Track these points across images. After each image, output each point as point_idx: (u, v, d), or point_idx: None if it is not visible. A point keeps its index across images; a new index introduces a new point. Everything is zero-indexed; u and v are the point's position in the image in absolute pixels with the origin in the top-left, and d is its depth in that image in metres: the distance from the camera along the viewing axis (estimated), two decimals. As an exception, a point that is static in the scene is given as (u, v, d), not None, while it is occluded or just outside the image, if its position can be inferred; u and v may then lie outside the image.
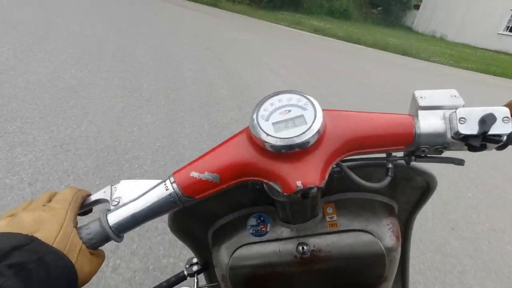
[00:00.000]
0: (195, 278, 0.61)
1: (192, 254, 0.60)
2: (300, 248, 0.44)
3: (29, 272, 0.26)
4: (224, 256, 0.46)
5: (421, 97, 0.35)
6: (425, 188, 0.47)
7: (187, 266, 0.63)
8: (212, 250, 0.49)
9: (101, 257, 0.35)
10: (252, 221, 0.47)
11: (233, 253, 0.45)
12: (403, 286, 0.61)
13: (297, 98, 0.35)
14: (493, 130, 0.31)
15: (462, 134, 0.31)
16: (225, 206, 0.48)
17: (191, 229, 0.51)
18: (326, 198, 0.46)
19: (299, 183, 0.31)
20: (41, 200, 0.34)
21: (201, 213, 0.49)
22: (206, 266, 0.61)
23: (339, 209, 0.46)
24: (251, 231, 0.46)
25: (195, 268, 0.61)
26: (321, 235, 0.45)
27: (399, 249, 0.47)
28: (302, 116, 0.33)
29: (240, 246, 0.45)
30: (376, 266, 0.45)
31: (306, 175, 0.32)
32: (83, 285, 0.31)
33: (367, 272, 0.47)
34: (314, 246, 0.44)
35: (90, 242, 0.33)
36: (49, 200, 0.34)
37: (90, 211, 0.40)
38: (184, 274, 0.62)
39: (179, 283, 0.64)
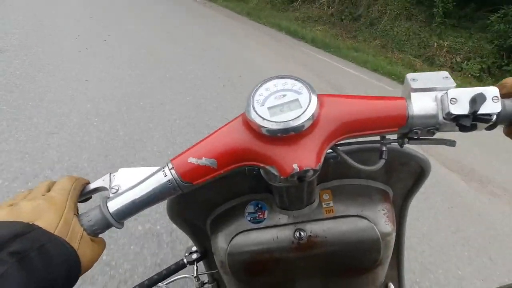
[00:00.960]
0: (195, 266, 0.63)
1: (191, 243, 0.61)
2: (297, 234, 0.45)
3: (30, 260, 0.26)
4: (222, 243, 0.47)
5: (413, 79, 0.35)
6: (419, 173, 0.48)
7: (186, 254, 0.64)
8: (210, 237, 0.50)
9: (102, 244, 0.35)
10: (250, 208, 0.47)
11: (231, 240, 0.46)
12: (398, 270, 0.63)
13: (292, 83, 0.35)
14: (483, 110, 0.32)
15: (453, 114, 0.32)
16: (223, 194, 0.49)
17: (190, 217, 0.52)
18: (322, 185, 0.47)
19: (295, 166, 0.32)
20: (40, 189, 0.34)
21: (199, 201, 0.49)
22: (205, 254, 0.62)
23: (335, 195, 0.47)
24: (249, 218, 0.47)
25: (194, 256, 0.63)
26: (318, 221, 0.45)
27: (394, 234, 0.48)
28: (297, 100, 0.34)
29: (238, 233, 0.46)
30: (372, 251, 0.46)
31: (302, 158, 0.32)
32: (85, 271, 0.31)
33: (362, 257, 0.48)
34: (311, 232, 0.45)
35: (91, 229, 0.33)
36: (48, 190, 0.34)
37: (89, 198, 0.40)
38: (184, 262, 0.63)
39: (179, 271, 0.65)
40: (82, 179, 0.38)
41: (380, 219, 0.45)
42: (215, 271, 0.64)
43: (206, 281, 0.68)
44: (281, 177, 0.33)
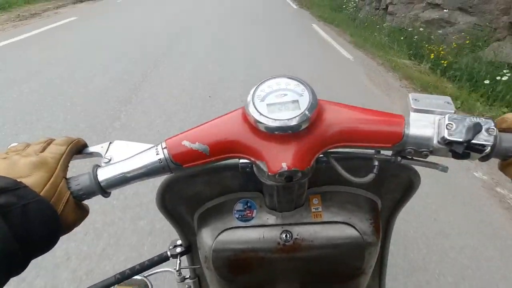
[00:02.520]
0: (178, 260, 0.62)
1: (177, 236, 0.60)
2: (284, 235, 0.45)
3: (13, 216, 0.27)
4: (208, 238, 0.47)
5: (415, 99, 0.36)
6: (408, 185, 0.49)
7: (170, 247, 0.63)
8: (197, 232, 0.50)
9: (86, 210, 0.36)
10: (239, 206, 0.47)
11: (217, 235, 0.46)
12: (379, 281, 0.63)
13: (295, 84, 0.36)
14: (477, 139, 0.32)
15: (447, 139, 0.32)
16: (213, 189, 0.48)
17: (178, 210, 0.52)
18: (313, 189, 0.47)
19: (284, 165, 0.32)
20: (37, 146, 0.35)
21: (190, 194, 0.49)
22: (189, 249, 0.61)
23: (324, 200, 0.47)
24: (237, 216, 0.47)
25: (178, 250, 0.62)
26: (305, 224, 0.46)
27: (379, 244, 0.48)
28: (297, 101, 0.34)
29: (225, 230, 0.46)
30: (355, 259, 0.47)
31: (292, 158, 0.33)
32: (65, 233, 0.32)
33: (346, 264, 0.48)
34: (297, 235, 0.45)
35: (77, 193, 0.34)
36: (45, 147, 0.35)
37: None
38: (167, 255, 0.63)
39: (161, 263, 0.64)
40: (80, 141, 0.38)
41: (367, 229, 0.46)
42: (197, 266, 0.64)
43: (187, 276, 0.68)
44: (269, 174, 0.33)
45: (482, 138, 0.32)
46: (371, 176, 0.38)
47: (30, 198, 0.28)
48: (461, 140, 0.32)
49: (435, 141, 0.34)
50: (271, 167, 0.33)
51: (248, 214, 0.47)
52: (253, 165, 0.38)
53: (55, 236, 0.31)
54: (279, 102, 0.34)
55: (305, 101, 0.34)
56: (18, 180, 0.29)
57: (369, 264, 0.49)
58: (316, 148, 0.35)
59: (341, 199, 0.47)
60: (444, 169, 0.37)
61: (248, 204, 0.47)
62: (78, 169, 0.36)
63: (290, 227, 0.46)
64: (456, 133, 0.32)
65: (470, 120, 0.33)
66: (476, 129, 0.32)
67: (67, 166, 0.35)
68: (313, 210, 0.46)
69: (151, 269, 0.65)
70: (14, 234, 0.26)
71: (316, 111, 0.34)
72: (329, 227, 0.46)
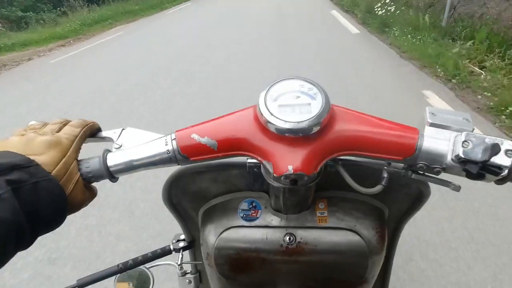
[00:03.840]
0: (180, 254, 0.63)
1: (180, 231, 0.61)
2: (287, 238, 0.45)
3: (24, 191, 0.28)
4: (212, 235, 0.47)
5: (432, 113, 0.35)
6: (417, 196, 0.48)
7: (173, 241, 0.64)
8: (200, 228, 0.50)
9: (93, 192, 0.37)
10: (244, 205, 0.47)
11: (221, 233, 0.46)
12: None
13: (309, 87, 0.35)
14: (494, 161, 0.30)
15: (462, 158, 0.31)
16: (220, 187, 0.48)
17: (184, 205, 0.52)
18: (319, 193, 0.47)
19: (290, 167, 0.32)
20: (53, 126, 0.36)
21: (195, 190, 0.49)
22: (192, 244, 0.62)
23: (331, 205, 0.46)
24: (241, 215, 0.47)
25: (181, 244, 0.62)
26: (310, 228, 0.45)
27: (383, 254, 0.47)
28: (309, 104, 0.34)
29: (229, 228, 0.46)
30: (358, 267, 0.46)
31: (298, 162, 0.32)
32: (72, 213, 0.34)
33: (349, 271, 0.47)
34: (301, 238, 0.45)
35: (87, 176, 0.35)
36: (61, 128, 0.36)
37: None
38: (170, 249, 0.63)
39: (164, 256, 0.65)
40: (94, 124, 0.40)
41: (372, 237, 0.45)
42: (199, 262, 0.64)
43: (188, 271, 0.68)
44: (275, 175, 0.33)
45: (500, 160, 0.30)
46: (379, 188, 0.37)
47: (41, 177, 0.30)
48: (476, 160, 0.31)
49: (449, 158, 0.33)
50: (277, 169, 0.33)
51: (253, 214, 0.47)
52: (261, 165, 0.37)
53: (62, 215, 0.32)
54: (291, 104, 0.34)
55: (317, 105, 0.33)
56: (32, 157, 0.30)
57: (372, 273, 0.48)
58: (325, 153, 0.34)
59: (347, 205, 0.47)
60: (456, 188, 0.36)
61: (254, 204, 0.47)
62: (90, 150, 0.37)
63: (294, 230, 0.45)
64: (472, 152, 0.31)
65: (489, 140, 0.31)
66: (494, 150, 0.30)
67: (80, 148, 0.36)
68: (319, 214, 0.46)
69: (153, 261, 0.65)
70: (23, 210, 0.27)
71: (328, 116, 0.33)
72: (334, 233, 0.45)
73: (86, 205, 0.35)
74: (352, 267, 0.47)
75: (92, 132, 0.40)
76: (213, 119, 0.36)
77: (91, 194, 0.36)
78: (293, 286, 0.50)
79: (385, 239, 0.47)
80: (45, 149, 0.32)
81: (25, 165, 0.29)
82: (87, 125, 0.38)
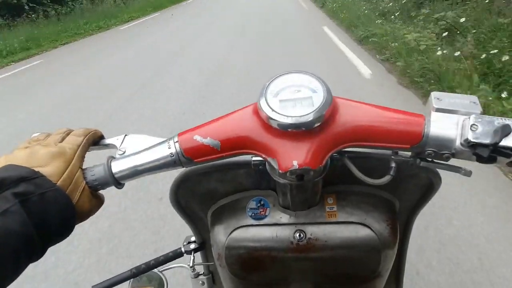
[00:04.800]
0: (192, 256, 0.63)
1: (191, 233, 0.61)
2: (297, 235, 0.44)
3: (31, 203, 0.28)
4: (221, 235, 0.47)
5: (437, 98, 0.34)
6: (428, 186, 0.47)
7: (184, 243, 0.64)
8: (210, 229, 0.50)
9: (100, 199, 0.37)
10: (252, 204, 0.47)
11: (230, 233, 0.46)
12: (396, 285, 0.62)
13: (309, 80, 0.35)
14: (505, 142, 0.29)
15: (471, 141, 0.30)
16: (227, 187, 0.48)
17: (192, 206, 0.52)
18: (327, 188, 0.47)
19: (295, 163, 0.32)
20: (56, 136, 0.37)
21: (203, 191, 0.49)
22: (203, 246, 0.62)
23: (339, 200, 0.46)
24: (250, 214, 0.46)
25: (192, 246, 0.63)
26: (319, 224, 0.45)
27: (396, 247, 0.47)
28: (310, 97, 0.33)
29: (238, 227, 0.46)
30: (371, 261, 0.46)
31: (303, 156, 0.32)
32: (80, 222, 0.34)
33: (361, 266, 0.47)
34: (311, 234, 0.44)
35: (92, 184, 0.35)
36: (64, 137, 0.37)
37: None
38: (181, 251, 0.64)
39: (175, 259, 0.65)
40: (97, 132, 0.40)
41: (384, 230, 0.44)
42: (211, 263, 0.64)
43: (201, 272, 0.68)
44: (280, 171, 0.33)
45: (511, 142, 0.30)
46: (387, 178, 0.36)
47: (47, 187, 0.30)
48: (487, 142, 0.30)
49: (457, 143, 0.32)
50: (282, 165, 0.33)
51: (262, 212, 0.46)
52: (266, 163, 0.37)
53: (71, 224, 0.32)
54: (292, 98, 0.33)
55: (319, 98, 0.33)
56: (37, 169, 0.31)
57: (386, 267, 0.47)
58: (330, 146, 0.34)
59: (356, 199, 0.46)
60: (467, 173, 0.35)
61: (262, 202, 0.47)
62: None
63: (303, 227, 0.45)
64: (481, 135, 0.30)
65: (499, 121, 0.30)
66: (504, 131, 0.29)
67: (84, 156, 0.36)
68: (328, 209, 0.46)
69: (165, 264, 0.66)
70: (32, 221, 0.28)
71: (330, 108, 0.33)
72: (344, 227, 0.44)
73: (94, 213, 0.36)
74: (365, 261, 0.46)
75: (95, 140, 0.40)
76: (214, 120, 0.36)
77: (98, 202, 0.36)
78: (306, 283, 0.50)
79: (397, 231, 0.46)
80: (49, 160, 0.32)
81: (30, 177, 0.29)
82: (89, 133, 0.38)
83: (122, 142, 0.40)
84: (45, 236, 0.29)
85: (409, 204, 0.51)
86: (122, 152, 0.39)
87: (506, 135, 0.29)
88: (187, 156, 0.35)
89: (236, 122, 0.35)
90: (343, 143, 0.34)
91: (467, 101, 0.34)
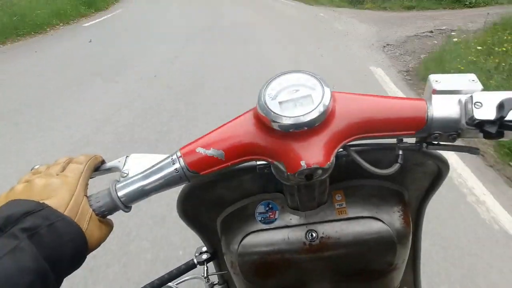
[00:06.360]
0: (205, 266, 0.62)
1: (201, 243, 0.60)
2: (309, 235, 0.44)
3: (40, 236, 0.27)
4: (233, 243, 0.46)
5: (436, 80, 0.34)
6: (436, 174, 0.46)
7: (196, 254, 0.64)
8: (221, 237, 0.50)
9: (110, 225, 0.36)
10: (261, 208, 0.47)
11: (242, 240, 0.45)
12: (414, 275, 0.61)
13: (306, 78, 0.35)
14: (511, 116, 0.29)
15: (477, 119, 0.30)
16: (234, 193, 0.48)
17: (200, 217, 0.52)
18: (334, 185, 0.46)
19: (303, 163, 0.31)
20: (57, 166, 0.36)
21: (209, 201, 0.49)
22: (215, 255, 0.61)
23: (348, 196, 0.45)
24: (259, 218, 0.46)
25: (204, 256, 0.62)
26: (330, 222, 0.44)
27: (410, 237, 0.46)
28: (309, 96, 0.33)
29: (249, 233, 0.45)
30: (387, 254, 0.45)
31: (311, 155, 0.32)
32: (92, 250, 0.33)
33: (377, 260, 0.46)
34: (323, 233, 0.44)
35: (99, 210, 0.34)
36: (64, 167, 0.36)
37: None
38: (194, 262, 0.63)
39: (189, 271, 0.65)
40: (97, 157, 0.39)
41: (396, 221, 0.44)
42: (225, 272, 0.63)
43: (216, 282, 0.68)
44: (289, 174, 0.32)
45: None
46: (396, 167, 0.36)
47: (55, 218, 0.29)
48: (492, 118, 0.30)
49: (463, 122, 0.32)
50: (290, 167, 0.32)
51: (271, 216, 0.46)
52: (271, 166, 0.37)
53: (83, 253, 0.31)
54: (291, 98, 0.33)
55: (318, 95, 0.33)
56: (41, 201, 0.30)
57: (402, 258, 0.47)
58: (335, 142, 0.33)
59: (365, 192, 0.46)
60: (476, 151, 0.35)
61: (270, 206, 0.47)
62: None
63: (314, 226, 0.44)
64: (486, 111, 0.30)
65: (501, 95, 0.30)
66: (509, 104, 0.29)
67: (87, 184, 0.35)
68: (337, 206, 0.45)
69: (179, 278, 0.65)
70: (43, 255, 0.27)
71: (330, 103, 0.33)
72: (355, 223, 0.44)
73: (105, 239, 0.35)
74: (380, 255, 0.45)
75: (97, 165, 0.39)
76: (214, 130, 0.36)
77: (108, 227, 0.35)
78: (323, 283, 0.49)
79: (409, 221, 0.45)
80: (53, 191, 0.31)
81: (36, 209, 0.29)
82: (90, 159, 0.38)
83: (124, 164, 0.39)
84: (58, 268, 0.29)
85: (419, 193, 0.50)
86: (126, 174, 0.38)
87: (511, 108, 0.29)
88: (193, 170, 0.34)
89: (238, 129, 0.35)
90: (348, 137, 0.34)
91: (466, 80, 0.33)
